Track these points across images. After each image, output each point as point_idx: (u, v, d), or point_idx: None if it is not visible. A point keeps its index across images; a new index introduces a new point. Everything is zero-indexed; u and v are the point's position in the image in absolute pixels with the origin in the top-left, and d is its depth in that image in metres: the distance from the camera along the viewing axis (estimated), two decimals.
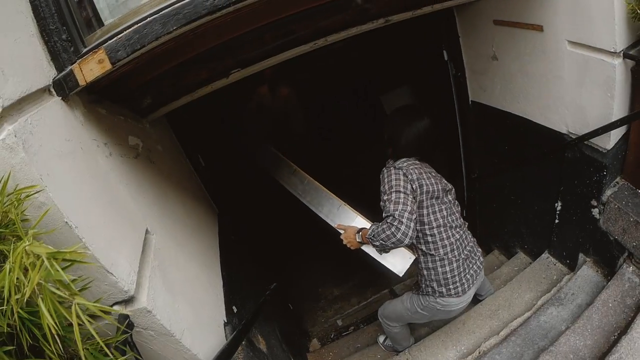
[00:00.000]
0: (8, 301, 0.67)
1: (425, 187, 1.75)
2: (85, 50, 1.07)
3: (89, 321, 0.72)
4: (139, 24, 0.98)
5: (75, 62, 1.05)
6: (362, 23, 1.68)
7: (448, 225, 1.82)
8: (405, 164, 1.79)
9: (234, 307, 1.72)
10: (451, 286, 1.83)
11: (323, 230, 2.38)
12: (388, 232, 1.61)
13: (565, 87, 1.95)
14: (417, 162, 1.84)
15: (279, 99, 3.59)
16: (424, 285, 1.91)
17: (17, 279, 0.68)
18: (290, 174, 2.30)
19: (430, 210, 1.79)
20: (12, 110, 0.89)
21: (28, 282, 0.67)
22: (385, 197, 1.71)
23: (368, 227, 1.80)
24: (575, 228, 2.20)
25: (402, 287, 3.08)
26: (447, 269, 1.81)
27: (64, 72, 1.04)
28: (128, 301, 1.04)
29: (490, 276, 2.57)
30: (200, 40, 1.21)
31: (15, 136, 0.85)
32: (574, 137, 2.00)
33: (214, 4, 0.94)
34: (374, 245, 1.73)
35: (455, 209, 1.91)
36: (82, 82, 1.03)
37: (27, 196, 0.82)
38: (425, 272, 1.87)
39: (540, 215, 2.42)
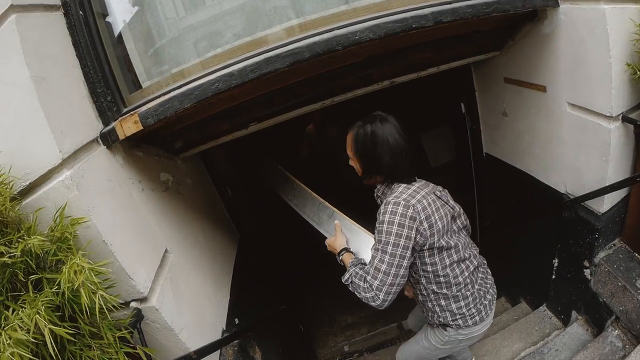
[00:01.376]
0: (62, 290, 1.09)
1: (435, 227, 1.48)
2: (125, 110, 1.45)
3: (113, 308, 1.14)
4: (162, 98, 1.33)
5: (117, 119, 1.42)
6: (366, 85, 1.94)
7: (460, 259, 1.59)
8: (413, 198, 1.47)
9: (236, 320, 2.02)
10: (468, 318, 1.63)
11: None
12: (364, 294, 1.45)
13: (565, 148, 2.06)
14: (420, 187, 1.54)
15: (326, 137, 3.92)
16: (439, 320, 1.68)
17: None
18: (292, 188, 2.28)
19: (443, 250, 1.54)
20: (70, 159, 1.27)
21: (77, 280, 1.08)
22: (379, 247, 1.45)
23: (352, 261, 1.58)
24: (569, 285, 2.26)
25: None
26: (462, 303, 1.62)
27: (108, 127, 1.41)
28: (142, 300, 1.41)
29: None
30: (216, 104, 1.55)
31: (71, 179, 1.23)
32: (571, 197, 2.10)
33: (218, 88, 1.27)
34: (345, 282, 1.55)
35: (465, 236, 1.68)
36: (122, 136, 1.40)
37: (78, 222, 1.21)
38: (437, 309, 1.65)
39: (540, 268, 2.49)
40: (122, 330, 1.23)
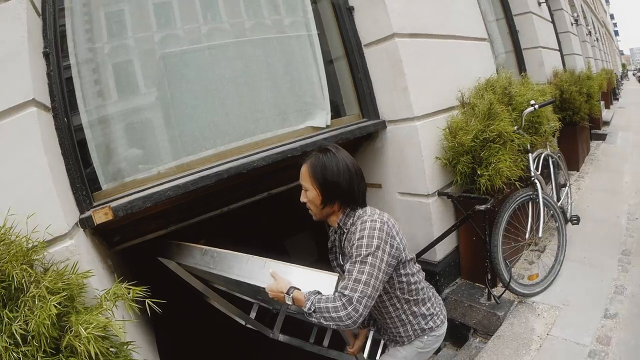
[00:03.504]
0: None
1: (403, 242, 1.62)
2: (95, 204, 1.87)
3: None
4: (130, 197, 1.86)
5: (89, 210, 1.82)
6: (251, 197, 2.65)
7: (418, 270, 1.78)
8: (384, 216, 1.60)
9: None
10: (436, 317, 1.80)
11: None
12: (336, 314, 1.42)
13: (400, 223, 2.86)
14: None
15: None
16: (414, 332, 1.78)
17: None
18: (212, 257, 2.10)
19: (410, 261, 1.70)
20: (70, 232, 1.63)
21: None
22: (349, 267, 1.49)
23: (306, 293, 1.52)
24: None
25: None
26: (428, 304, 1.79)
27: (85, 215, 1.78)
28: None
29: None
30: (159, 206, 2.15)
31: (75, 247, 1.62)
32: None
33: (169, 195, 1.89)
34: (308, 318, 1.50)
35: None
36: (96, 222, 1.77)
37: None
38: (411, 318, 1.76)
39: None
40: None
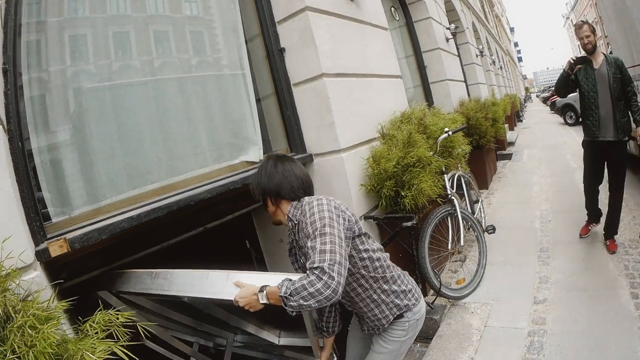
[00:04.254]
0: None
1: (354, 216, 1.71)
2: (49, 236, 1.76)
3: None
4: (85, 229, 1.83)
5: (43, 242, 1.70)
6: (190, 231, 2.76)
7: (378, 247, 1.84)
8: (327, 198, 1.71)
9: None
10: (410, 294, 1.84)
11: None
12: (313, 288, 1.40)
13: None
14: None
15: None
16: (391, 312, 1.81)
17: None
18: (153, 278, 2.01)
19: (367, 236, 1.77)
20: (31, 266, 1.53)
21: None
22: (309, 244, 1.53)
23: (277, 284, 1.52)
24: None
25: None
26: (399, 282, 1.83)
27: (41, 247, 1.64)
28: None
29: None
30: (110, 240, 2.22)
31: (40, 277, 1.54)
32: None
33: (123, 227, 1.96)
34: (288, 306, 1.47)
35: None
36: (53, 255, 1.64)
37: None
38: (384, 296, 1.79)
39: None
40: None
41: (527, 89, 53.41)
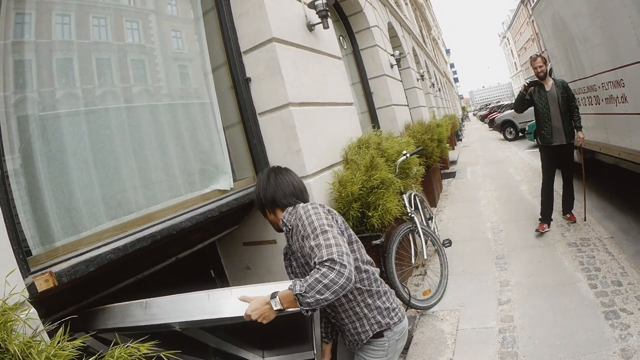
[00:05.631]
0: None
1: (344, 223, 1.82)
2: (33, 270, 1.70)
3: None
4: (73, 261, 1.81)
5: (27, 276, 1.63)
6: (163, 262, 2.79)
7: (368, 260, 1.89)
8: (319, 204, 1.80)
9: None
10: (392, 313, 1.86)
11: None
12: (327, 279, 1.45)
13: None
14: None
15: None
16: (372, 328, 1.83)
17: None
18: (144, 309, 1.93)
19: (357, 243, 1.86)
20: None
21: None
22: (311, 244, 1.60)
23: (287, 287, 1.55)
24: None
25: None
26: (384, 298, 1.85)
27: (28, 281, 1.60)
28: None
29: None
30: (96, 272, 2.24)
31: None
32: None
33: (110, 258, 1.99)
34: (305, 304, 1.49)
35: None
36: (40, 290, 1.63)
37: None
38: (366, 311, 1.82)
39: None
40: None
41: (464, 109, 56.58)
